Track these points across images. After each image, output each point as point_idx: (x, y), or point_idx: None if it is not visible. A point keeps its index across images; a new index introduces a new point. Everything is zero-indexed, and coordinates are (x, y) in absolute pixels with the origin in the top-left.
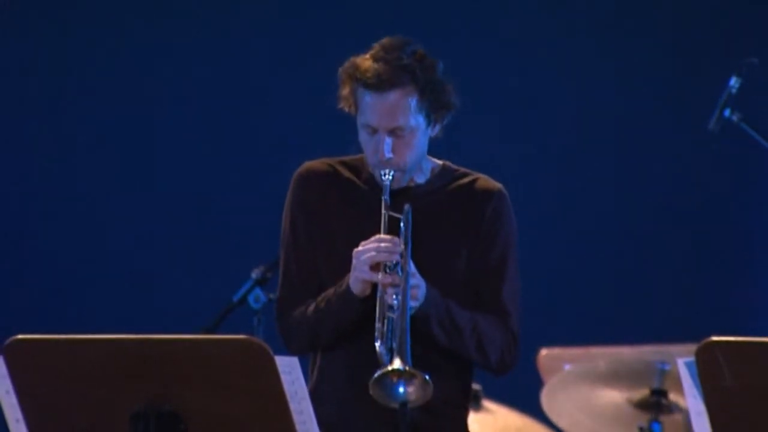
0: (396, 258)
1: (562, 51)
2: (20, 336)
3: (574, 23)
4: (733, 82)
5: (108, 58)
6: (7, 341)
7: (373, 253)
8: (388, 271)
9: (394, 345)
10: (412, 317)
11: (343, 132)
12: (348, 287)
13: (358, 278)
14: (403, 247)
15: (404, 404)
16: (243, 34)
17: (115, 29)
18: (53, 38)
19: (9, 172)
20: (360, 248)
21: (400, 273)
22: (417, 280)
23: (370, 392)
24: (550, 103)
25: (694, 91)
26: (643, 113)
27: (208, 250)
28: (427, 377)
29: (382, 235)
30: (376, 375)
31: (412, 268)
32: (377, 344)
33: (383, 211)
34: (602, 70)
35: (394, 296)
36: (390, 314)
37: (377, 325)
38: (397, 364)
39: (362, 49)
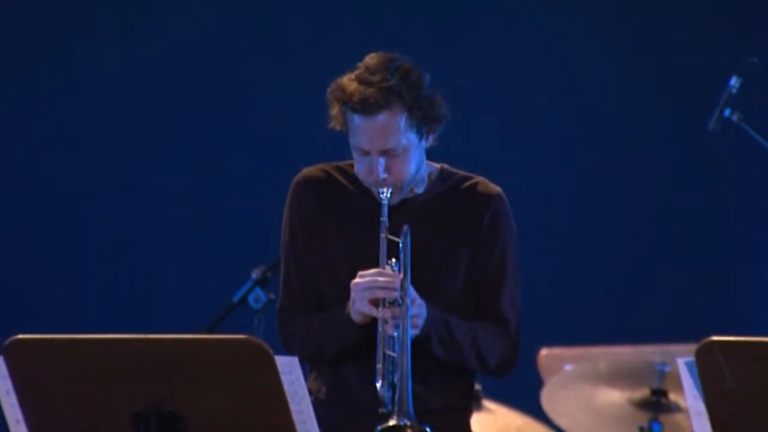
0: (395, 294)
1: (562, 51)
2: (20, 336)
3: (574, 23)
4: (734, 81)
5: (109, 57)
6: (7, 341)
7: (373, 289)
8: (387, 305)
9: (396, 380)
10: (413, 338)
11: (342, 134)
12: (349, 315)
13: (357, 311)
14: (401, 274)
15: None
16: (243, 36)
17: (115, 29)
18: (53, 38)
19: (9, 172)
20: (359, 280)
21: (400, 302)
22: (417, 308)
23: None
24: (549, 103)
25: (694, 91)
26: (643, 113)
27: (208, 251)
28: (428, 429)
29: (382, 269)
30: (378, 429)
31: (412, 293)
32: (378, 385)
33: (381, 234)
34: (602, 70)
35: (395, 329)
36: (390, 353)
37: (377, 366)
38: (398, 418)
39: (362, 50)
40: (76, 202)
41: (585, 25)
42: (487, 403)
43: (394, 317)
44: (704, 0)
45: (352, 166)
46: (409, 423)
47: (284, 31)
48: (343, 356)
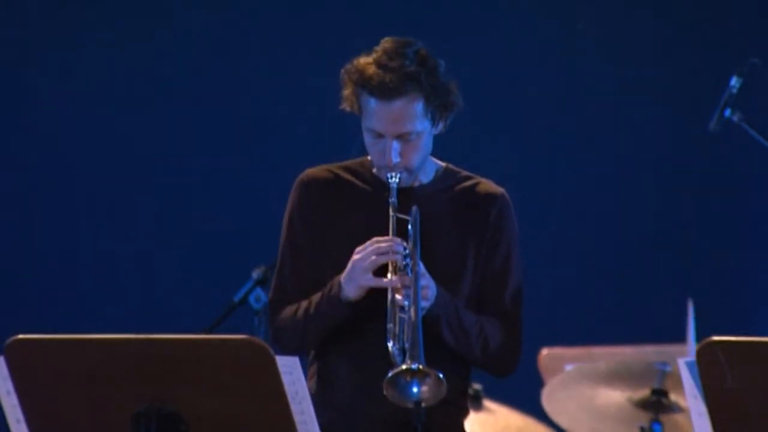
0: (399, 256)
1: (562, 51)
2: (21, 336)
3: (574, 23)
4: (734, 82)
5: (109, 59)
6: (8, 341)
7: (374, 257)
8: (397, 272)
9: (407, 345)
10: (422, 318)
11: (344, 134)
12: (339, 291)
13: (360, 286)
14: (411, 247)
15: (419, 403)
16: (244, 36)
17: (115, 29)
18: (53, 37)
19: (9, 172)
20: (357, 255)
21: (409, 273)
22: (427, 281)
23: (385, 393)
24: (550, 104)
25: (694, 91)
26: (644, 113)
27: (208, 251)
28: (441, 375)
29: (378, 238)
30: (390, 374)
31: (422, 268)
32: (390, 344)
33: (391, 213)
34: (602, 70)
35: (405, 298)
36: (401, 315)
37: (389, 326)
38: (410, 363)
39: (365, 50)
40: (76, 202)
41: (585, 25)
42: (488, 404)
43: (403, 285)
44: (704, 0)
45: (359, 164)
46: (421, 367)
47: (286, 32)
48: (328, 344)
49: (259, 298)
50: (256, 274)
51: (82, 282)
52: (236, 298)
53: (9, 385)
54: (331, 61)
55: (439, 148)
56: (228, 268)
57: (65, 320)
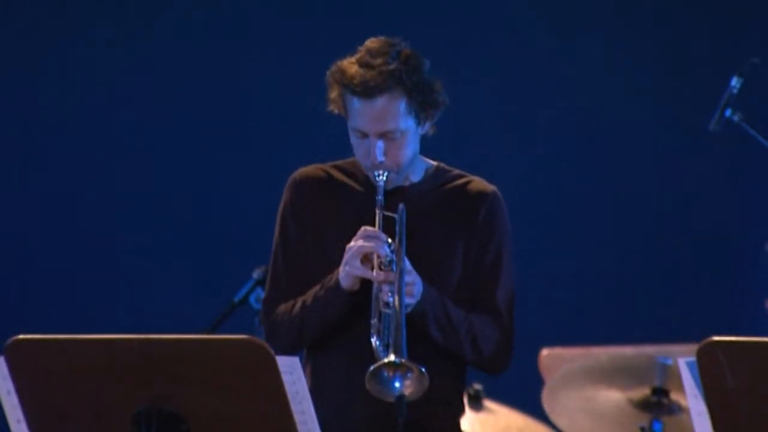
0: (384, 249)
1: (562, 51)
2: (21, 336)
3: (574, 23)
4: (735, 82)
5: (108, 59)
6: (8, 341)
7: (361, 243)
8: (382, 268)
9: (390, 341)
10: (409, 315)
11: (342, 133)
12: (337, 282)
13: (349, 273)
14: (396, 244)
15: (401, 397)
16: (241, 36)
17: (114, 29)
18: (52, 37)
19: (9, 172)
20: (350, 243)
21: (394, 269)
22: (412, 277)
23: (367, 386)
24: (550, 104)
25: (694, 91)
26: (644, 113)
27: (208, 250)
28: (423, 369)
29: (368, 227)
30: (371, 368)
31: (408, 265)
32: (373, 339)
33: (377, 211)
34: (602, 70)
35: (389, 293)
36: (386, 310)
37: (372, 321)
38: (392, 357)
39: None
40: (76, 202)
41: (585, 25)
42: (488, 404)
43: (387, 281)
44: (704, 0)
45: (352, 164)
46: (403, 361)
47: (282, 32)
48: (325, 339)
49: (260, 298)
50: (256, 274)
51: (82, 282)
52: (236, 298)
53: (9, 385)
54: (330, 61)
55: (438, 147)
56: (228, 268)
57: (65, 320)
